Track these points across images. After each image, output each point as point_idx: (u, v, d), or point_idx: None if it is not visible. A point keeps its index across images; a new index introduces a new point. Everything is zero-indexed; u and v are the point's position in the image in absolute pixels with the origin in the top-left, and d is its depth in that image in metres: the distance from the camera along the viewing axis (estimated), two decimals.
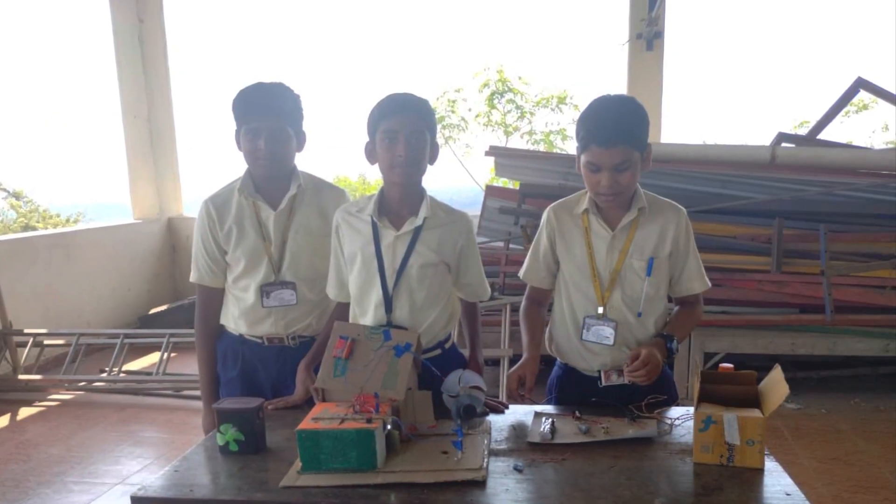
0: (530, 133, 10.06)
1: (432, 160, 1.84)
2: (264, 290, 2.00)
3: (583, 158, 1.74)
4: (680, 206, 1.85)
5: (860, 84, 4.91)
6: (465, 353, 2.00)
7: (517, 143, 9.97)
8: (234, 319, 2.06)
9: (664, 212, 1.83)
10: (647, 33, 6.08)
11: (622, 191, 1.74)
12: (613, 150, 1.67)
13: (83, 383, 4.62)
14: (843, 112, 5.75)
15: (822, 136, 5.07)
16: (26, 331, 4.83)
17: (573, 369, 1.92)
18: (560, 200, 1.92)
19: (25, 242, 5.51)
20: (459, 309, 2.00)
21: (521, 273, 1.99)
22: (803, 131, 6.59)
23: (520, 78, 9.81)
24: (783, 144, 4.93)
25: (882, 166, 4.64)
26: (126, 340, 4.68)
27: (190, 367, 4.53)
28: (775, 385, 1.53)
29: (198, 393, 2.50)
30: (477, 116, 10.01)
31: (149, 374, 4.58)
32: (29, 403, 4.44)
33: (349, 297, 1.92)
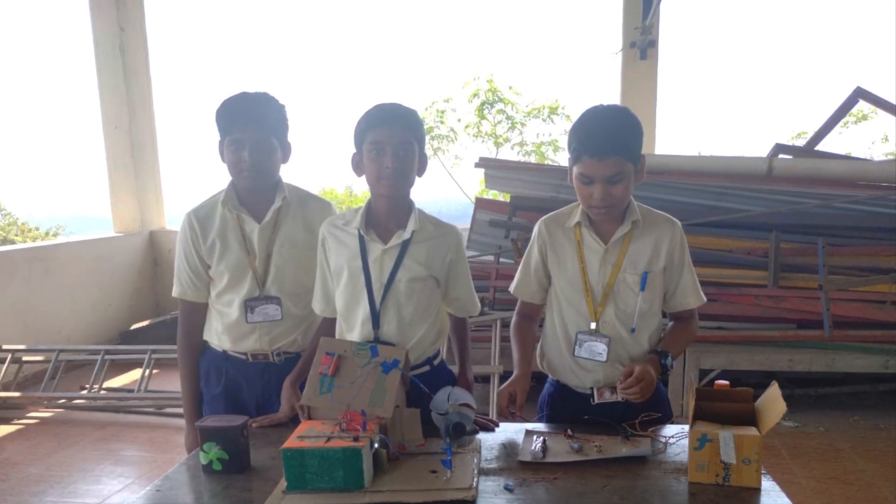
0: (521, 144, 10.03)
1: (420, 172, 1.82)
2: (248, 305, 1.96)
3: (575, 170, 1.71)
4: (675, 219, 1.83)
5: (859, 94, 4.87)
6: (455, 369, 1.97)
7: (508, 154, 9.95)
8: (217, 335, 2.03)
9: (658, 225, 1.80)
10: (641, 42, 6.06)
11: (615, 203, 1.72)
12: (606, 161, 1.65)
13: (63, 400, 4.55)
14: (841, 123, 5.73)
15: (821, 147, 5.03)
16: (4, 347, 4.78)
17: (565, 386, 1.89)
18: (551, 213, 1.89)
19: (4, 256, 5.40)
20: (448, 324, 1.97)
21: (511, 288, 1.96)
22: (801, 142, 6.56)
23: (510, 87, 9.77)
24: (780, 156, 4.89)
25: (881, 178, 4.61)
26: (107, 357, 4.63)
27: (172, 383, 4.47)
28: (772, 402, 1.51)
29: (180, 410, 2.46)
30: (466, 127, 9.98)
31: (130, 391, 4.52)
32: (7, 421, 4.36)
33: (335, 313, 1.89)
